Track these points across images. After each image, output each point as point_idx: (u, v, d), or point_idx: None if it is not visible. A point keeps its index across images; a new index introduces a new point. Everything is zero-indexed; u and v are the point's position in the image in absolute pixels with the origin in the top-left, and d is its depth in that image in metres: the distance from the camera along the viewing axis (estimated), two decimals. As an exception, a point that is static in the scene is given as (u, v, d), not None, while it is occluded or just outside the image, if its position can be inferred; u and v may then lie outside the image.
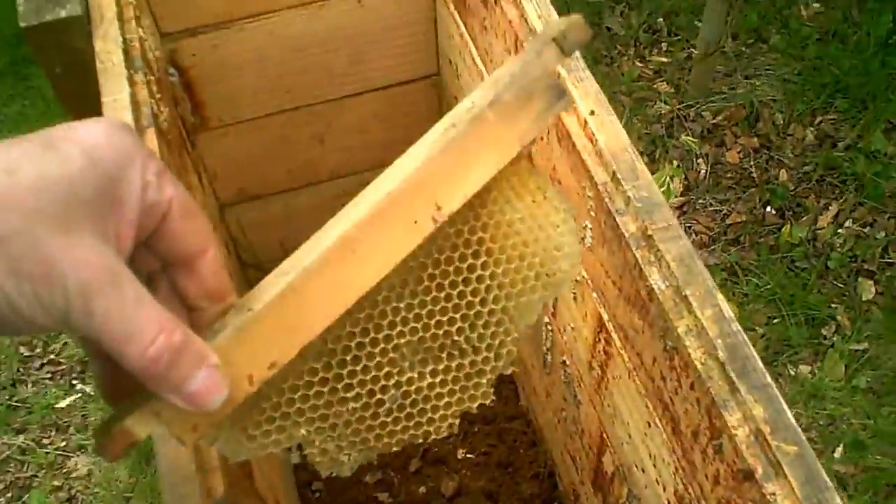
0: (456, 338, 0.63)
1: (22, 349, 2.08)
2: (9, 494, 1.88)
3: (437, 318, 0.62)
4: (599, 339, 1.01)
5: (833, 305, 2.25)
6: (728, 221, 2.47)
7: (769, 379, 0.74)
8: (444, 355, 0.63)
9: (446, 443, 1.52)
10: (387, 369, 0.62)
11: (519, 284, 0.64)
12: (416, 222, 0.57)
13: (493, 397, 0.68)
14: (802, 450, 0.70)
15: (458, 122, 0.58)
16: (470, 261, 0.62)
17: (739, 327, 0.77)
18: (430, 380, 0.63)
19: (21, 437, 1.95)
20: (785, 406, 0.72)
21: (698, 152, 2.61)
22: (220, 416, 0.55)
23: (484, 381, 0.66)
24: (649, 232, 0.83)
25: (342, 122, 1.52)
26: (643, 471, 0.98)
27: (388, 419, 0.63)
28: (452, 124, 0.58)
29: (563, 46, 0.58)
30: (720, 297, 0.79)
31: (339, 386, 0.61)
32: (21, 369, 2.05)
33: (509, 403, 1.56)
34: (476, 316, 0.63)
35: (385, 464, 1.50)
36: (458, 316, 0.63)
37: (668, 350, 0.81)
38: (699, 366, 0.76)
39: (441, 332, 0.63)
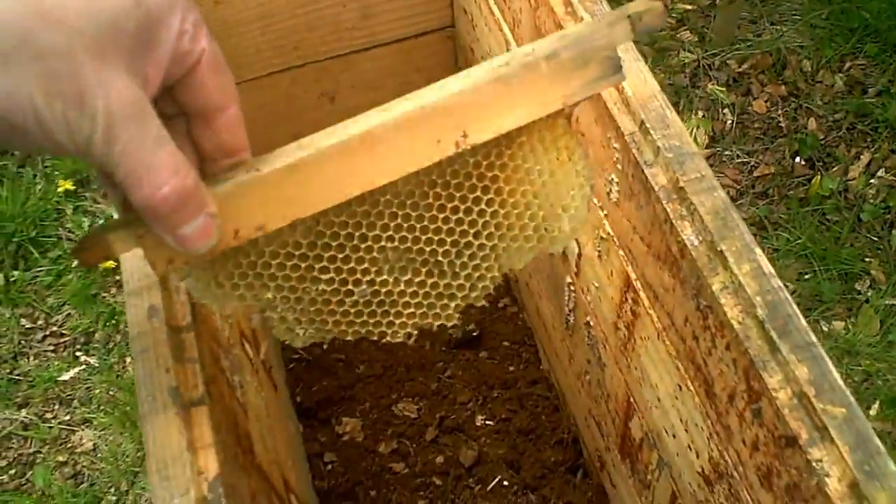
0: (440, 259, 0.65)
1: (23, 321, 2.04)
2: (12, 471, 1.84)
3: (430, 235, 0.64)
4: (626, 299, 0.95)
5: (867, 259, 2.17)
6: (756, 174, 2.38)
7: (813, 338, 0.68)
8: (423, 270, 0.66)
9: (464, 409, 1.47)
10: (366, 266, 0.65)
11: (516, 230, 0.66)
12: (439, 141, 0.59)
13: (457, 322, 0.69)
14: (851, 413, 0.64)
15: (512, 62, 0.59)
16: (478, 194, 0.64)
17: (780, 283, 0.71)
18: (402, 288, 0.66)
19: (23, 412, 1.92)
20: (831, 366, 0.66)
21: (724, 101, 2.52)
22: (197, 257, 0.58)
23: (452, 305, 0.68)
24: (681, 184, 0.77)
25: (352, 79, 1.45)
26: (674, 436, 0.92)
27: (352, 310, 0.66)
28: (507, 62, 0.59)
29: (636, 26, 0.60)
30: (758, 251, 0.72)
31: (317, 266, 0.64)
32: (22, 342, 2.02)
33: (530, 367, 1.51)
34: (466, 246, 0.66)
35: (400, 433, 1.45)
36: (449, 240, 0.65)
37: (701, 309, 0.75)
38: (736, 325, 0.70)
39: (429, 249, 0.65)
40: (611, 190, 0.90)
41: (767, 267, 0.72)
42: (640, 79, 0.85)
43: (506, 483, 1.39)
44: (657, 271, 0.83)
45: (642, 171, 0.79)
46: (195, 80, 0.53)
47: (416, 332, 0.69)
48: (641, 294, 0.90)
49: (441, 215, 0.64)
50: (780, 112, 2.55)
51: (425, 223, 0.64)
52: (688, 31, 2.72)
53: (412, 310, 0.67)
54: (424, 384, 1.50)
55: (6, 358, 2.00)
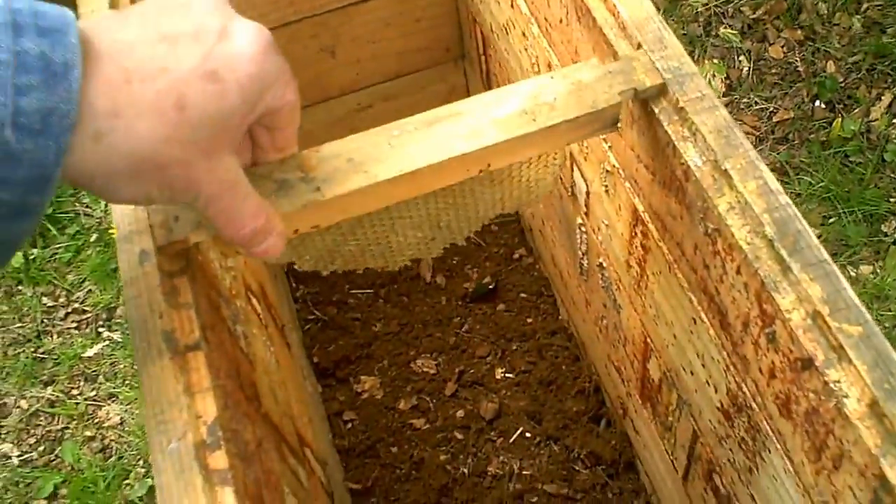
0: (441, 223, 0.84)
1: (45, 299, 2.04)
2: (41, 448, 1.85)
3: (439, 212, 0.82)
4: (636, 233, 0.92)
5: (892, 200, 2.12)
6: (775, 119, 2.33)
7: (825, 255, 0.65)
8: (426, 229, 0.84)
9: (483, 363, 1.46)
10: (386, 234, 0.81)
11: (497, 202, 0.85)
12: (468, 171, 0.74)
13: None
14: (868, 330, 0.61)
15: (538, 119, 0.72)
16: (479, 188, 0.81)
17: (788, 200, 0.68)
18: (408, 241, 0.84)
19: (49, 389, 1.92)
20: (845, 283, 0.63)
21: (739, 47, 2.46)
22: None
23: (441, 246, 0.88)
24: (681, 104, 0.73)
25: (351, 32, 1.42)
26: (692, 373, 0.90)
27: (367, 256, 0.83)
28: (533, 119, 0.72)
29: (637, 95, 0.75)
30: (764, 167, 0.69)
31: (349, 238, 0.80)
32: (45, 320, 2.02)
33: (548, 318, 1.48)
34: (460, 215, 0.84)
35: (419, 389, 1.44)
36: (450, 213, 0.83)
37: (709, 234, 0.72)
38: (745, 246, 0.67)
39: (435, 219, 0.83)
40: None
41: (774, 183, 0.69)
42: (635, 1, 0.82)
43: (528, 435, 1.38)
44: (663, 199, 0.80)
45: (641, 97, 0.76)
46: (274, 118, 0.61)
47: (409, 262, 0.87)
48: (650, 226, 0.87)
49: (450, 200, 0.81)
50: (797, 56, 2.49)
51: (437, 204, 0.80)
52: (700, -22, 2.66)
53: (411, 251, 0.85)
54: (442, 339, 1.49)
55: (30, 337, 2.00)
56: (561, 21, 0.97)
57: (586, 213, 1.10)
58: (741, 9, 2.58)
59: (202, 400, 0.65)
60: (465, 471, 1.35)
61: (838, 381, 0.61)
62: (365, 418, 1.42)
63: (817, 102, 2.36)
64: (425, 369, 1.46)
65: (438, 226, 0.84)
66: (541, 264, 1.53)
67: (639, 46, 0.78)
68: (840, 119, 2.29)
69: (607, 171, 0.95)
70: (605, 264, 1.09)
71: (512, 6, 1.16)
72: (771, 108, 2.36)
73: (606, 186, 0.97)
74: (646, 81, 0.75)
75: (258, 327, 1.00)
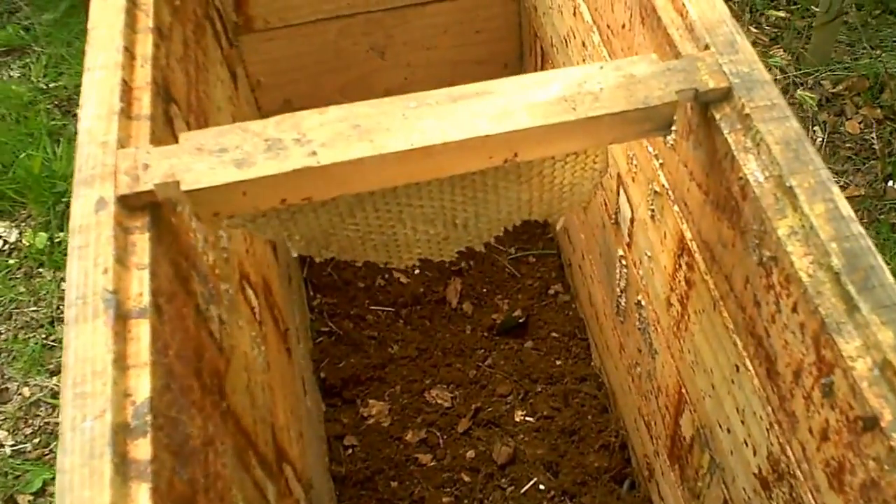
0: (457, 221, 0.73)
1: (63, 285, 1.98)
2: (36, 440, 1.76)
3: (454, 205, 0.71)
4: (680, 265, 0.81)
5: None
6: (844, 194, 2.19)
7: (907, 295, 0.53)
8: (439, 225, 0.73)
9: (503, 402, 1.33)
10: (391, 223, 0.71)
11: (524, 206, 0.74)
12: (491, 157, 0.64)
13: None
14: (954, 392, 0.49)
15: (578, 108, 0.62)
16: (503, 183, 0.70)
17: (862, 231, 0.56)
18: (417, 236, 0.73)
19: (55, 380, 1.84)
20: (929, 330, 0.51)
21: (815, 118, 2.34)
22: (239, 213, 0.65)
23: (455, 249, 0.76)
24: (746, 111, 0.62)
25: (405, 35, 1.34)
26: (728, 431, 0.77)
27: (368, 247, 0.73)
28: (573, 107, 0.62)
29: (698, 97, 0.64)
30: (836, 190, 0.58)
31: (348, 221, 0.70)
32: (61, 307, 1.95)
33: (579, 362, 1.36)
34: (479, 214, 0.73)
35: (430, 422, 1.32)
36: (468, 209, 0.72)
37: (763, 263, 0.61)
38: (805, 278, 0.55)
39: (449, 214, 0.72)
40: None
41: (847, 209, 0.57)
42: (707, 3, 0.71)
43: (542, 487, 1.25)
44: (715, 223, 0.69)
45: (702, 101, 0.65)
46: None
47: (417, 262, 0.77)
48: (697, 256, 0.75)
49: (469, 195, 0.70)
50: (874, 134, 2.36)
51: (453, 197, 0.70)
52: (781, 50, 2.56)
53: (419, 249, 0.75)
54: (462, 371, 1.37)
55: (43, 322, 1.93)
56: (624, 26, 0.87)
57: (629, 244, 0.98)
58: (821, 81, 2.47)
59: (135, 376, 0.55)
60: (468, 517, 1.22)
61: (909, 451, 0.48)
62: (367, 446, 1.31)
63: (890, 182, 2.24)
64: (439, 401, 1.34)
65: (454, 223, 0.73)
66: (577, 303, 1.41)
67: (706, 48, 0.67)
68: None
69: (655, 192, 0.83)
70: (643, 303, 0.97)
71: (574, 14, 1.07)
72: (841, 183, 2.24)
73: (653, 211, 0.86)
74: (709, 83, 0.64)
75: (248, 321, 0.90)
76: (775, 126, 0.61)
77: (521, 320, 1.41)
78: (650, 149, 0.83)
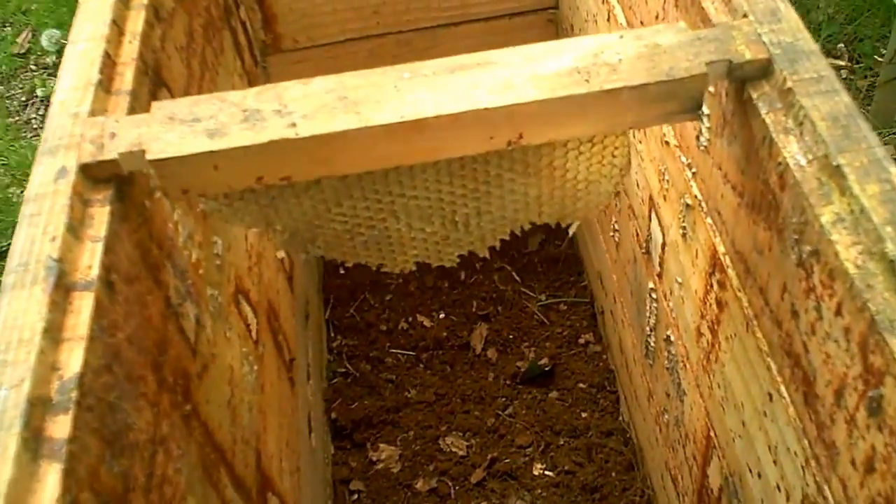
0: (457, 219, 0.65)
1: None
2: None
3: (454, 199, 0.64)
4: (711, 286, 0.72)
5: None
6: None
7: (975, 288, 0.44)
8: (437, 222, 0.65)
9: (521, 454, 1.24)
10: (383, 216, 0.64)
11: (535, 205, 0.66)
12: (492, 138, 0.57)
13: (455, 264, 0.70)
14: None
15: (593, 80, 0.55)
16: (509, 175, 0.63)
17: (925, 213, 0.47)
18: (412, 235, 0.66)
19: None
20: None
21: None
22: (213, 194, 0.59)
23: (456, 252, 0.69)
24: (788, 85, 0.55)
25: (436, 55, 1.28)
26: (759, 475, 0.68)
27: (357, 244, 0.67)
28: (586, 79, 0.56)
29: (732, 73, 0.56)
30: (895, 170, 0.49)
31: (334, 210, 0.63)
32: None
33: (606, 416, 1.26)
34: (482, 212, 0.65)
35: (443, 471, 1.22)
36: (469, 204, 0.64)
37: (803, 262, 0.52)
38: (852, 270, 0.47)
39: (448, 209, 0.64)
40: (700, 132, 0.68)
41: (908, 190, 0.48)
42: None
43: (557, 548, 1.14)
44: (750, 228, 0.61)
45: (740, 79, 0.58)
46: None
47: (413, 266, 0.70)
48: (730, 272, 0.67)
49: (470, 186, 0.63)
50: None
51: (452, 188, 0.63)
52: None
53: (416, 251, 0.68)
54: (480, 419, 1.28)
55: None
56: (657, 16, 0.80)
57: (659, 275, 0.90)
58: (885, 144, 2.37)
59: (68, 349, 0.48)
60: (475, 576, 1.12)
61: (976, 472, 0.39)
62: (374, 492, 1.22)
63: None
64: (454, 449, 1.25)
65: (453, 221, 0.66)
66: (608, 354, 1.32)
67: (744, 16, 0.60)
68: None
69: (687, 205, 0.75)
70: (672, 338, 0.88)
71: (608, 19, 1.01)
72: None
73: (684, 229, 0.77)
74: (745, 54, 0.56)
75: (240, 336, 0.83)
76: (822, 101, 0.53)
77: (546, 369, 1.31)
78: (683, 158, 0.75)
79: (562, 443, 1.24)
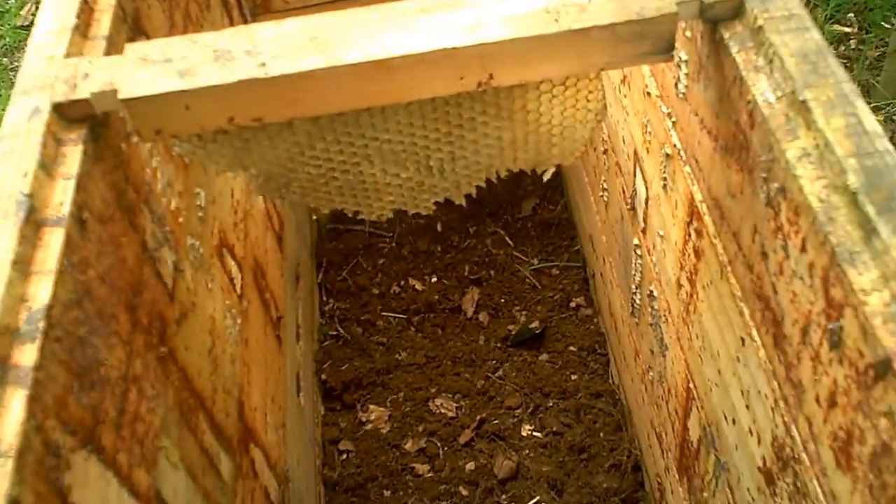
0: (431, 163, 0.65)
1: None
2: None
3: (427, 143, 0.64)
4: (689, 235, 0.72)
5: None
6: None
7: (935, 218, 0.44)
8: (411, 168, 0.65)
9: (510, 415, 1.24)
10: (357, 160, 0.64)
11: (510, 150, 0.65)
12: (462, 78, 0.57)
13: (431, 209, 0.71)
14: None
15: (562, 19, 0.55)
16: (482, 118, 0.62)
17: (891, 147, 0.47)
18: (387, 180, 0.65)
19: None
20: (960, 256, 0.42)
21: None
22: (186, 134, 0.59)
23: (432, 199, 0.68)
24: (759, 22, 0.54)
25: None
26: (733, 422, 0.68)
27: (332, 189, 0.66)
28: (556, 18, 0.56)
29: (704, 12, 0.56)
30: (861, 104, 0.49)
31: (307, 154, 0.63)
32: None
33: (596, 378, 1.26)
34: (456, 157, 0.65)
35: (431, 431, 1.23)
36: (443, 149, 0.64)
37: (771, 201, 0.52)
38: (816, 204, 0.47)
39: (423, 154, 0.64)
40: (678, 79, 0.68)
41: (872, 123, 0.48)
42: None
43: (544, 506, 1.15)
44: (724, 171, 0.61)
45: (714, 22, 0.58)
46: None
47: (390, 213, 0.69)
48: (706, 219, 0.67)
49: (443, 129, 0.63)
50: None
51: (426, 132, 0.63)
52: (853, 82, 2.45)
53: (391, 197, 0.68)
54: (470, 381, 1.28)
55: None
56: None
57: (643, 230, 0.90)
58: (894, 117, 2.35)
59: (37, 282, 0.49)
60: (463, 533, 1.13)
61: (928, 395, 0.39)
62: (363, 452, 1.22)
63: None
64: (443, 410, 1.26)
65: (428, 166, 0.66)
66: (599, 318, 1.32)
67: (715, -42, 0.59)
68: None
69: (667, 155, 0.75)
70: (655, 293, 0.88)
71: None
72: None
73: (665, 180, 0.78)
74: None
75: (223, 289, 0.83)
76: (792, 38, 0.53)
77: (537, 332, 1.32)
78: (663, 108, 0.75)
79: (551, 404, 1.25)
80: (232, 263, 0.89)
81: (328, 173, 0.65)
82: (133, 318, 0.59)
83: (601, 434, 1.19)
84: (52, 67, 0.59)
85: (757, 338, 0.59)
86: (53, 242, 0.51)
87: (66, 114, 0.57)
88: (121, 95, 0.56)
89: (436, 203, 0.69)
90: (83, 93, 0.56)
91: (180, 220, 0.73)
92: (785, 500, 0.58)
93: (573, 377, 1.27)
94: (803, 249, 0.49)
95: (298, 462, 1.06)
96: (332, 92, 0.57)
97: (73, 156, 0.56)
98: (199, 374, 0.72)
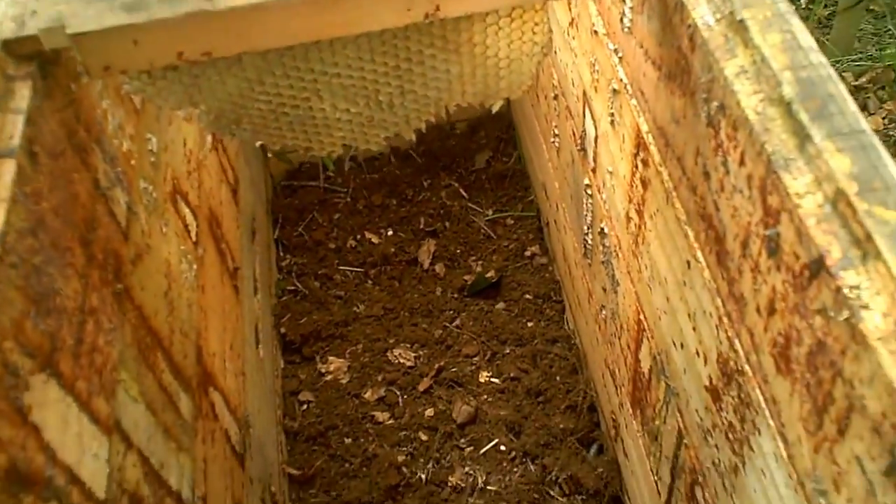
0: (380, 98, 0.66)
1: None
2: None
3: (376, 77, 0.64)
4: (637, 167, 0.74)
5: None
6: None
7: (864, 125, 0.46)
8: (361, 102, 0.66)
9: (468, 362, 1.26)
10: (307, 94, 0.64)
11: (458, 84, 0.67)
12: (409, 10, 0.58)
13: (382, 147, 0.71)
14: (912, 223, 0.42)
15: None
16: (430, 51, 0.63)
17: (825, 60, 0.49)
18: (337, 115, 0.66)
19: None
20: (887, 158, 0.44)
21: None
22: (134, 69, 0.59)
23: (382, 135, 0.68)
24: (699, -54, 0.56)
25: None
26: (681, 346, 0.70)
27: (283, 125, 0.66)
28: None
29: None
30: (797, 23, 0.51)
31: (257, 89, 0.63)
32: None
33: (552, 324, 1.29)
34: (405, 91, 0.66)
35: (391, 381, 1.25)
36: (394, 84, 0.65)
37: (711, 119, 0.54)
38: (752, 116, 0.48)
39: (372, 88, 0.65)
40: (623, 13, 0.70)
41: (807, 40, 0.50)
42: None
43: (502, 448, 1.17)
44: (668, 99, 0.62)
45: (656, -51, 0.59)
46: None
47: (340, 150, 0.69)
48: (652, 148, 0.69)
49: (392, 63, 0.63)
50: (897, 130, 2.27)
51: (374, 66, 0.63)
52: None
53: (342, 133, 0.68)
54: (427, 331, 1.30)
55: None
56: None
57: (594, 170, 0.92)
58: (843, 73, 2.39)
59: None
60: (423, 476, 1.15)
61: (857, 287, 0.41)
62: (323, 402, 1.24)
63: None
64: (402, 360, 1.27)
65: (377, 101, 0.66)
66: (554, 266, 1.34)
67: None
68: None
69: (615, 90, 0.77)
70: (606, 230, 0.90)
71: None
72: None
73: (613, 115, 0.79)
74: None
75: (178, 234, 0.84)
76: (729, -34, 0.54)
77: (493, 281, 1.34)
78: (610, 45, 0.77)
79: (507, 351, 1.27)
80: (186, 210, 0.89)
81: (278, 109, 0.65)
82: (88, 252, 0.59)
83: (557, 378, 1.22)
84: (3, 7, 0.59)
85: (701, 258, 0.61)
86: (5, 172, 0.51)
87: (15, 50, 0.57)
88: (69, 31, 0.56)
89: (386, 138, 0.70)
90: (31, 29, 0.56)
91: (132, 162, 0.73)
92: (730, 413, 0.61)
93: (529, 324, 1.29)
94: (742, 163, 0.51)
95: (259, 411, 1.07)
96: (281, 25, 0.57)
97: (22, 91, 0.56)
98: (156, 315, 0.72)
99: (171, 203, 0.84)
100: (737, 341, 0.57)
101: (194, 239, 0.90)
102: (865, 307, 0.40)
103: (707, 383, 0.65)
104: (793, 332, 0.48)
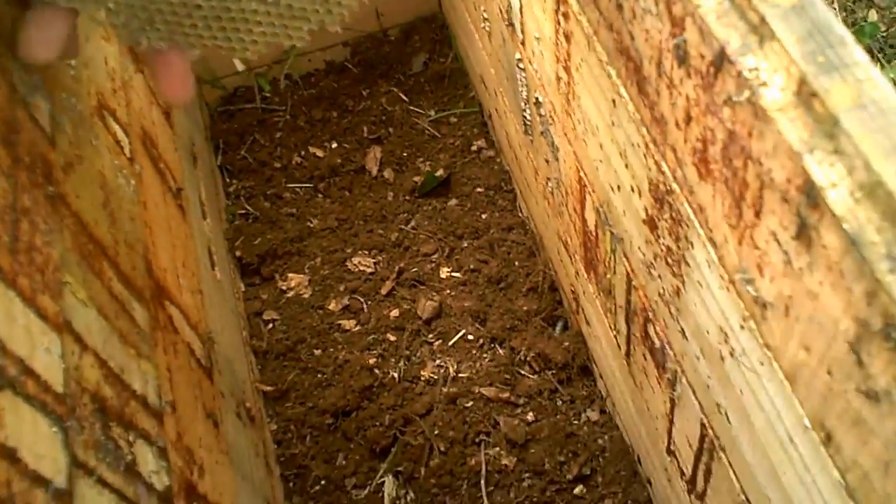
0: None
1: None
2: None
3: None
4: (559, 22, 0.74)
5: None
6: None
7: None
8: None
9: (427, 261, 1.27)
10: None
11: None
12: None
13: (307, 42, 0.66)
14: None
15: None
16: None
17: None
18: (253, 7, 0.63)
19: None
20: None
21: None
22: None
23: (305, 28, 0.65)
24: None
25: None
26: (618, 188, 0.71)
27: (200, 25, 0.64)
28: None
29: None
30: None
31: None
32: None
33: (505, 213, 1.30)
34: None
35: (353, 289, 1.26)
36: None
37: (616, -55, 0.54)
38: (650, -73, 0.49)
39: None
40: None
41: None
42: None
43: (470, 337, 1.19)
44: (574, -65, 0.62)
45: None
46: None
47: (266, 51, 0.66)
48: (571, 0, 0.69)
49: None
50: (835, 4, 2.29)
51: None
52: None
53: (263, 29, 0.66)
54: (384, 237, 1.31)
55: None
56: None
57: (523, 42, 0.92)
58: None
59: None
60: (395, 375, 1.16)
61: (755, 69, 0.42)
62: (288, 318, 1.24)
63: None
64: (362, 267, 1.28)
65: None
66: (501, 156, 1.35)
67: None
68: (881, 68, 2.09)
69: (527, -52, 0.77)
70: (541, 98, 0.90)
71: None
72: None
73: (530, -24, 0.79)
74: None
75: (109, 149, 0.83)
76: None
77: (443, 179, 1.34)
78: None
79: (465, 245, 1.28)
80: (116, 127, 0.88)
81: (192, 8, 0.63)
82: (13, 153, 0.59)
83: (516, 263, 1.23)
84: None
85: (625, 93, 0.62)
86: None
87: None
88: None
89: (310, 31, 0.67)
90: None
91: (50, 71, 0.72)
92: (667, 237, 0.62)
93: (483, 216, 1.30)
94: (647, -21, 0.51)
95: (223, 330, 1.08)
96: None
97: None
98: (97, 224, 0.72)
99: (98, 118, 0.83)
100: (663, 163, 0.58)
101: (129, 156, 0.89)
102: (764, 84, 0.41)
103: (644, 216, 0.66)
104: (707, 133, 0.49)
